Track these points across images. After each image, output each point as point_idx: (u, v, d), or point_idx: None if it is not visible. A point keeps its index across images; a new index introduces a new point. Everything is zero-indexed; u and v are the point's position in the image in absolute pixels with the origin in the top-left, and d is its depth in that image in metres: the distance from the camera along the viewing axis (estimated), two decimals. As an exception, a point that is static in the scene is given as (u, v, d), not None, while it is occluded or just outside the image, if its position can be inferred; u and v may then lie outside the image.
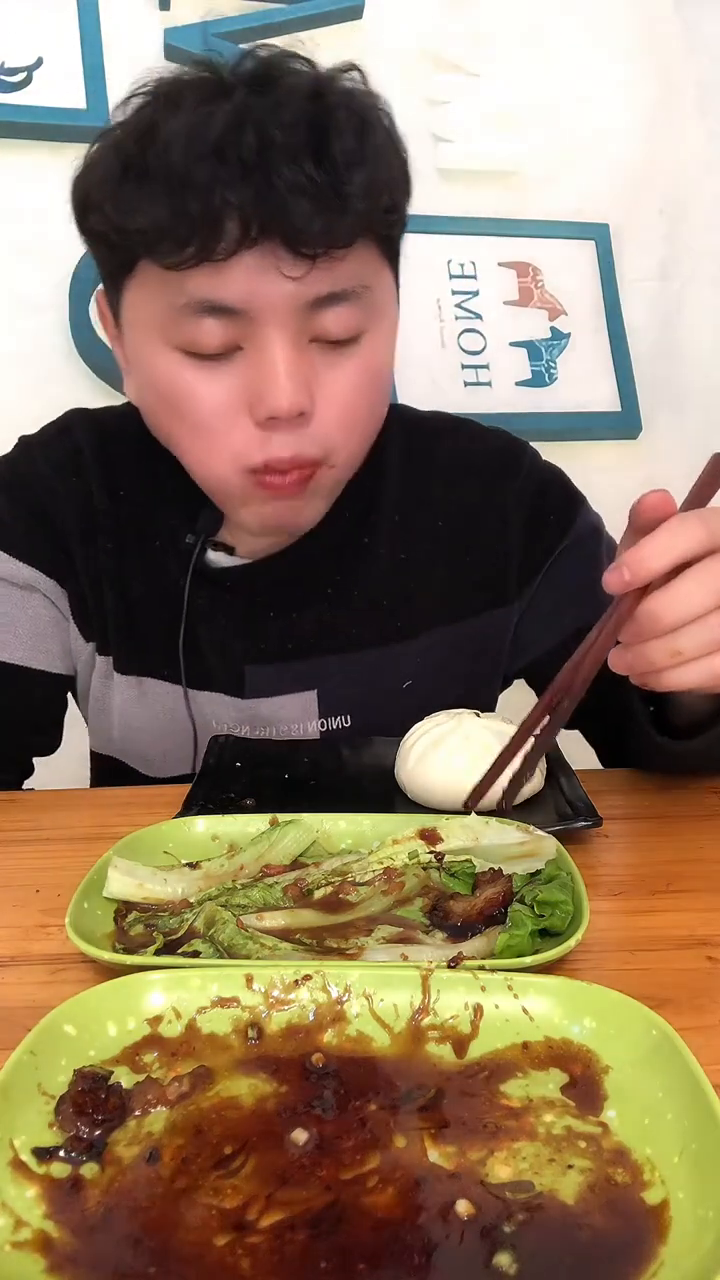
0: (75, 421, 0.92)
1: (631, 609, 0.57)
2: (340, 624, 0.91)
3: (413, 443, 0.93)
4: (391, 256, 0.77)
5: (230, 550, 0.89)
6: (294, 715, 0.91)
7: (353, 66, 0.72)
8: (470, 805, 0.63)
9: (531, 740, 0.62)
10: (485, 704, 0.97)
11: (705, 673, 0.57)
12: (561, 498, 0.95)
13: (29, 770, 0.98)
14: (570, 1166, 0.43)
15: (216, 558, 0.89)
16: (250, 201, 0.65)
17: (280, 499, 0.77)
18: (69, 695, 0.97)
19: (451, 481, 0.93)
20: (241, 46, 0.73)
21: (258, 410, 0.72)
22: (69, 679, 0.94)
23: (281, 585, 0.90)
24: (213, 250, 0.66)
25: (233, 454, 0.75)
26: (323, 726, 0.92)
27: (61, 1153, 0.44)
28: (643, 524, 0.58)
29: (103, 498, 0.88)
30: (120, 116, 0.70)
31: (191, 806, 0.76)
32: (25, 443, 0.91)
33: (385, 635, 0.92)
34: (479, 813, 0.66)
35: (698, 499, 0.59)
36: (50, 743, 0.97)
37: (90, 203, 0.71)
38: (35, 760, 0.98)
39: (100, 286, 0.80)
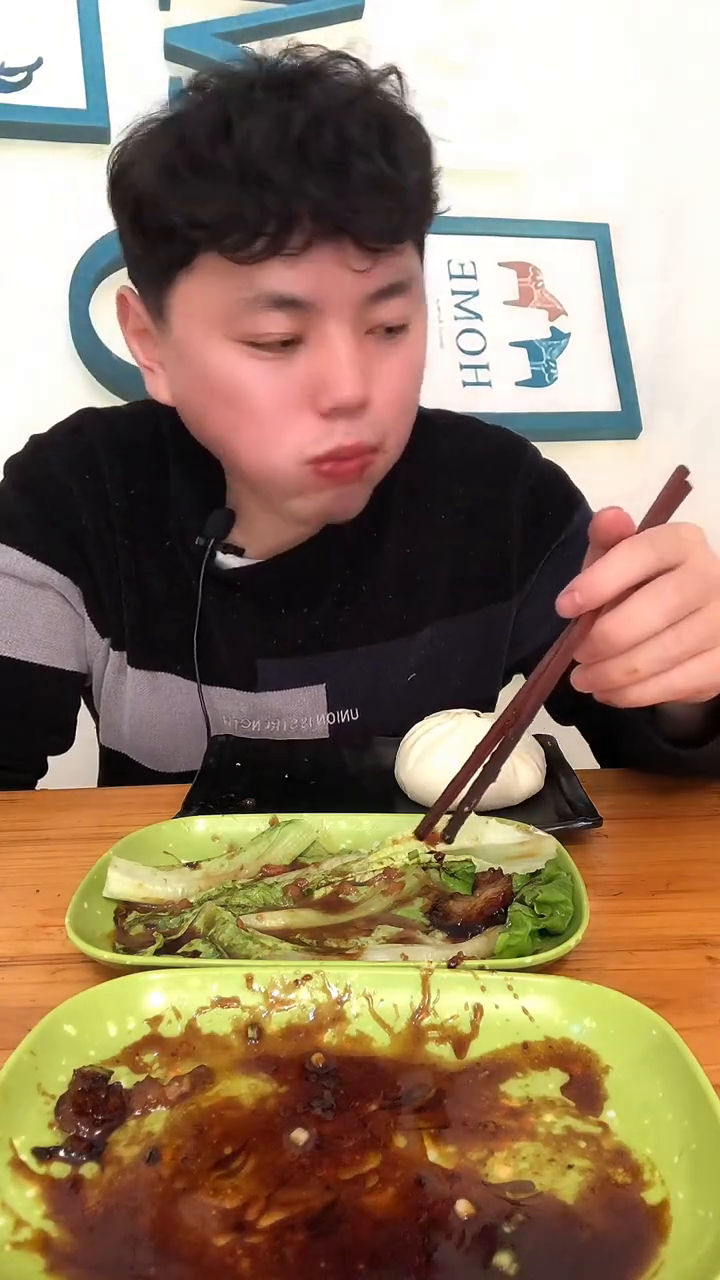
0: (87, 421, 0.92)
1: (585, 631, 0.58)
2: (348, 619, 0.92)
3: (416, 440, 0.93)
4: (422, 252, 0.79)
5: (240, 552, 0.90)
6: (303, 709, 0.92)
7: (393, 70, 0.74)
8: (421, 834, 0.63)
9: (480, 770, 0.62)
10: (487, 698, 0.98)
11: (664, 688, 0.59)
12: (560, 495, 0.97)
13: (43, 769, 0.98)
14: (570, 1166, 0.43)
15: (226, 559, 0.90)
16: (329, 197, 0.66)
17: (339, 486, 0.78)
18: (81, 694, 0.97)
19: (454, 478, 0.94)
20: (245, 46, 0.73)
21: (322, 401, 0.72)
22: (81, 677, 0.94)
23: (292, 584, 0.90)
24: (286, 244, 0.67)
25: (295, 445, 0.75)
26: (331, 719, 0.93)
27: (61, 1153, 0.44)
28: (601, 541, 0.59)
29: (118, 495, 0.89)
30: (158, 115, 0.71)
31: (191, 806, 0.76)
32: (37, 442, 0.91)
33: (391, 629, 0.93)
34: (479, 812, 0.66)
35: (658, 515, 0.60)
36: (63, 741, 0.97)
37: (145, 198, 0.71)
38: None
39: (121, 288, 0.79)
